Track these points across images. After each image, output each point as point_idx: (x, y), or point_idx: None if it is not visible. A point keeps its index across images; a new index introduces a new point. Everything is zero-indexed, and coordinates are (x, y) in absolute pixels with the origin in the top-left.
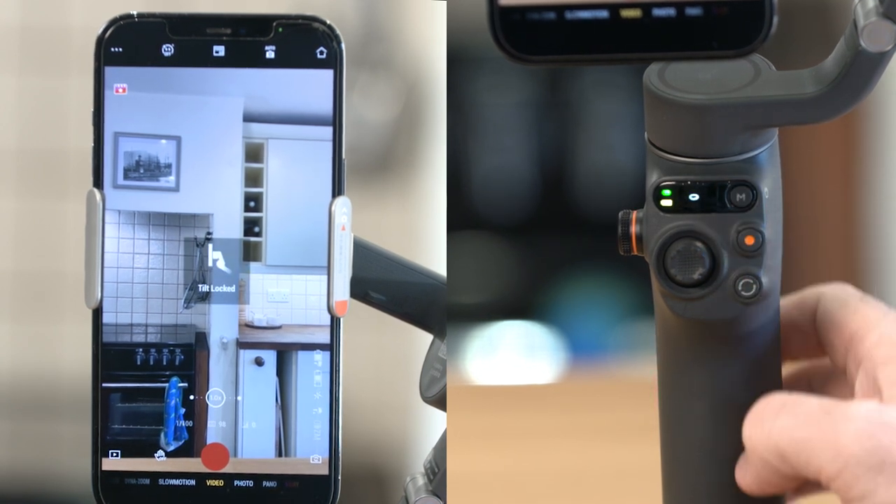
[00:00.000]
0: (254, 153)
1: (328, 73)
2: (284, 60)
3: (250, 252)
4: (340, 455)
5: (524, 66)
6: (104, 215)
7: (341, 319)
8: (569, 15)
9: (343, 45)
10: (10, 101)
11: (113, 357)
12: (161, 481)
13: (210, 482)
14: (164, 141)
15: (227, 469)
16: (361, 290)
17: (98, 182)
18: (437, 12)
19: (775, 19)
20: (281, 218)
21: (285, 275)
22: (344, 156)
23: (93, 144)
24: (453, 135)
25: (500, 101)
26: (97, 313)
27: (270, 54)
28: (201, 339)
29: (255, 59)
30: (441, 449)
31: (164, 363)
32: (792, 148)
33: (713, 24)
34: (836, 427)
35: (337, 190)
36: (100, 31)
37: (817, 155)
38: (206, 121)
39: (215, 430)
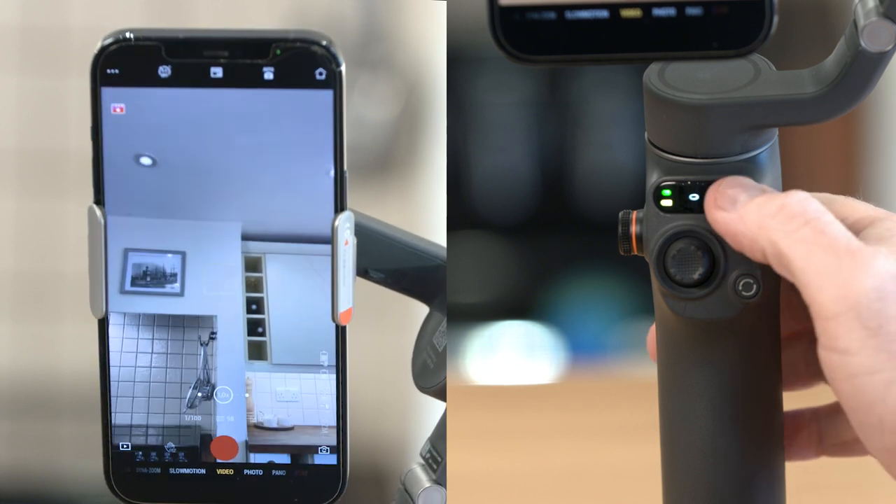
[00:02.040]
0: (252, 264)
1: (327, 94)
2: (283, 81)
3: (255, 351)
4: (348, 445)
5: (524, 65)
6: (107, 232)
7: (346, 327)
8: (569, 15)
9: (343, 67)
10: (10, 101)
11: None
12: (172, 470)
13: (220, 471)
14: (170, 255)
15: (237, 458)
16: (361, 267)
17: (99, 199)
18: (437, 12)
19: (775, 19)
20: (283, 321)
21: (293, 373)
22: (346, 172)
23: (92, 162)
24: (453, 135)
25: (500, 101)
26: (103, 323)
27: (269, 75)
28: (206, 441)
29: (252, 81)
30: (440, 437)
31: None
32: (792, 148)
33: (713, 24)
34: (854, 274)
35: (340, 206)
36: (95, 51)
37: (817, 155)
38: (207, 240)
39: (224, 424)
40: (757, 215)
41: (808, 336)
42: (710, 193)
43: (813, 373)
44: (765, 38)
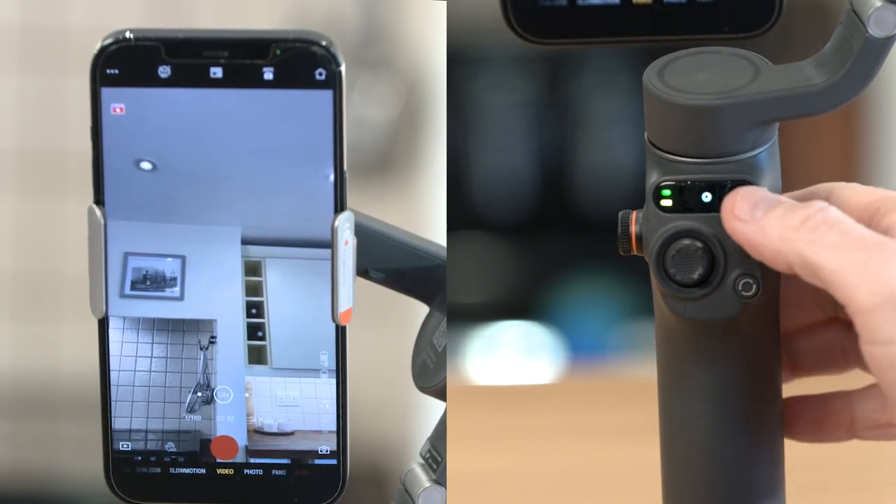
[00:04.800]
0: (252, 268)
1: (327, 94)
2: (283, 81)
3: (255, 355)
4: (348, 446)
5: (536, 47)
6: (106, 232)
7: (346, 327)
8: (580, 2)
9: (342, 67)
10: (10, 101)
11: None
12: (172, 470)
13: (220, 471)
14: (169, 259)
15: (237, 458)
16: (361, 267)
17: (99, 199)
18: (437, 12)
19: (784, 3)
20: (283, 325)
21: (293, 378)
22: (346, 172)
23: (92, 163)
24: (453, 135)
25: (500, 101)
26: (103, 323)
27: (269, 75)
28: (206, 446)
29: (252, 81)
30: (440, 437)
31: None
32: (792, 148)
33: (723, 8)
34: (886, 265)
35: (339, 206)
36: (95, 51)
37: (817, 155)
38: (207, 244)
39: (224, 424)
40: (779, 227)
41: (840, 322)
42: (727, 203)
43: (848, 358)
44: (775, 21)
